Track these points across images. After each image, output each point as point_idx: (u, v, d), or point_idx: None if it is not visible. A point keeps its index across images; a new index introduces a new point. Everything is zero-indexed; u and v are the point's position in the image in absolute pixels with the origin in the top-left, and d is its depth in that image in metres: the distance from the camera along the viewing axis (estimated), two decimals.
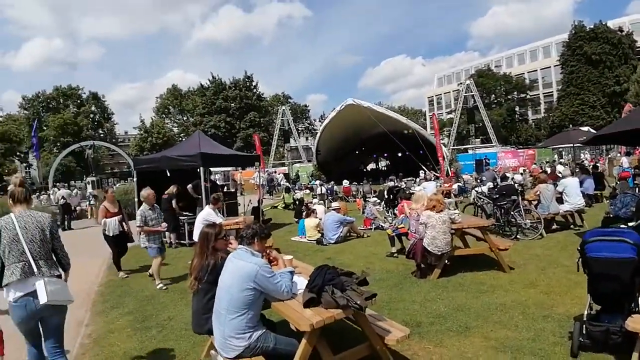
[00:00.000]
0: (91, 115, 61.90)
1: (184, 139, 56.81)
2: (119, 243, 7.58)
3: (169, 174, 10.70)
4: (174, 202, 10.33)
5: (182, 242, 10.26)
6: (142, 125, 62.54)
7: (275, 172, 33.98)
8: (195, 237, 7.37)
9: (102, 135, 61.16)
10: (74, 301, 3.43)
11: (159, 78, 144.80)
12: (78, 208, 18.92)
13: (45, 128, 55.35)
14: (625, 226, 4.73)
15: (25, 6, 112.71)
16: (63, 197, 16.30)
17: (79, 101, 62.15)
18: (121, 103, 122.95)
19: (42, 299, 2.99)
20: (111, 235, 7.43)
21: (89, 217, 18.23)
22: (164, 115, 69.42)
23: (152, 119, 66.18)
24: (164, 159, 10.60)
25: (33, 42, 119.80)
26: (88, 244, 11.42)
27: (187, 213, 10.54)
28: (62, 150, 37.15)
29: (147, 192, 6.94)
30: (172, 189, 10.31)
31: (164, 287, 6.48)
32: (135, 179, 11.48)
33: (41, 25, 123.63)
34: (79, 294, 6.53)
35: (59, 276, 3.31)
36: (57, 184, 26.57)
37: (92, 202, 18.50)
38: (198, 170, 10.60)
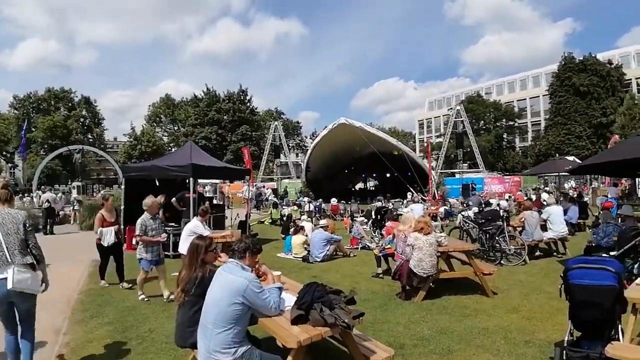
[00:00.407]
0: (81, 120, 61.38)
1: (173, 149, 56.73)
2: (111, 253, 7.38)
3: (158, 184, 10.63)
4: (160, 212, 10.23)
5: (166, 253, 10.09)
6: (133, 133, 62.28)
7: (264, 186, 33.93)
8: (181, 249, 7.40)
9: (91, 140, 60.52)
10: (40, 292, 3.74)
11: (152, 86, 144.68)
12: (61, 213, 18.61)
13: (34, 129, 54.67)
14: (607, 255, 4.84)
15: (24, 5, 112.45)
16: (48, 201, 16.01)
17: (70, 104, 61.65)
18: (112, 109, 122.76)
19: (8, 285, 3.40)
20: (106, 245, 7.22)
21: (72, 222, 17.95)
22: (155, 124, 69.21)
23: (143, 126, 66.00)
24: (154, 168, 10.55)
25: (29, 42, 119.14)
26: (70, 249, 11.26)
27: (172, 224, 10.44)
28: (50, 153, 36.70)
29: (150, 200, 6.77)
30: (160, 198, 10.20)
31: (146, 299, 6.36)
32: (123, 187, 11.37)
33: (38, 25, 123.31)
34: (59, 301, 6.44)
35: (32, 265, 3.64)
36: (42, 187, 26.13)
37: (76, 208, 18.21)
38: (187, 181, 10.58)
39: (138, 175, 11.03)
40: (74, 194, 25.89)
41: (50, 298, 6.49)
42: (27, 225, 3.69)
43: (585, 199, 19.02)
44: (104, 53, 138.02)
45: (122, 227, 11.01)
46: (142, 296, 6.41)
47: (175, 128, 68.61)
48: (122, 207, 11.12)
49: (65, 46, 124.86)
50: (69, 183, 38.16)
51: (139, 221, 6.51)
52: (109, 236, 7.23)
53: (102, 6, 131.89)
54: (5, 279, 3.40)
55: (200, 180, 23.21)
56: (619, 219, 9.23)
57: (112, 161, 30.60)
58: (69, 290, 7.12)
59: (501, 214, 10.45)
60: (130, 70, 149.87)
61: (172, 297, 6.08)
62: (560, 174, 20.89)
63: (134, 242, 11.08)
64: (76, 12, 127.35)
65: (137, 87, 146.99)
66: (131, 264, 9.06)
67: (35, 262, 3.68)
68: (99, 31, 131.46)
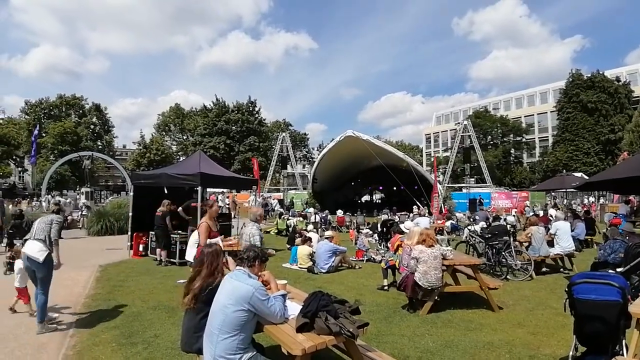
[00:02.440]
0: (92, 126, 62.25)
1: (182, 158, 57.19)
2: None
3: (166, 191, 10.74)
4: (167, 219, 10.32)
5: (172, 260, 10.18)
6: (142, 141, 62.94)
7: (270, 197, 34.01)
8: (187, 257, 7.43)
9: (100, 147, 61.26)
10: (40, 261, 5.20)
11: (162, 96, 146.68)
12: (69, 218, 18.79)
13: (44, 135, 55.41)
14: (614, 271, 4.82)
15: (36, 13, 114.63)
16: (57, 204, 16.19)
17: (81, 111, 62.64)
18: (122, 117, 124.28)
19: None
20: None
21: (80, 227, 18.10)
22: (164, 133, 69.92)
23: (152, 135, 66.76)
24: (163, 176, 10.66)
25: (41, 48, 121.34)
26: (77, 254, 11.34)
27: (180, 232, 10.51)
28: (59, 158, 37.10)
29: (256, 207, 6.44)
30: (163, 205, 10.30)
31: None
32: (131, 193, 11.49)
33: (50, 33, 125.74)
34: (65, 304, 6.53)
35: (44, 242, 5.33)
36: (52, 192, 26.39)
37: (84, 213, 18.39)
38: (196, 189, 10.67)
39: (147, 183, 11.14)
40: (82, 199, 26.11)
41: (57, 301, 6.62)
42: (54, 222, 5.54)
43: (593, 215, 18.84)
44: (115, 62, 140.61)
45: (130, 233, 11.20)
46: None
47: (184, 137, 69.24)
48: (130, 214, 11.25)
49: (77, 54, 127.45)
50: (78, 189, 38.52)
51: (255, 232, 6.12)
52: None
53: (114, 16, 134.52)
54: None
55: (211, 190, 23.42)
56: (626, 236, 9.18)
57: (121, 168, 30.85)
58: (75, 295, 7.18)
59: (508, 229, 10.41)
60: (140, 79, 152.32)
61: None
62: (567, 190, 20.75)
63: (140, 248, 11.27)
64: (88, 21, 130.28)
65: (148, 96, 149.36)
66: (128, 270, 9.18)
67: (48, 242, 5.33)
68: (110, 40, 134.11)
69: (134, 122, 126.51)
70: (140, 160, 58.91)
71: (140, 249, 11.29)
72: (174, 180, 10.36)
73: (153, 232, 10.57)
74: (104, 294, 7.24)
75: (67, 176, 51.86)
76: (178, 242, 10.17)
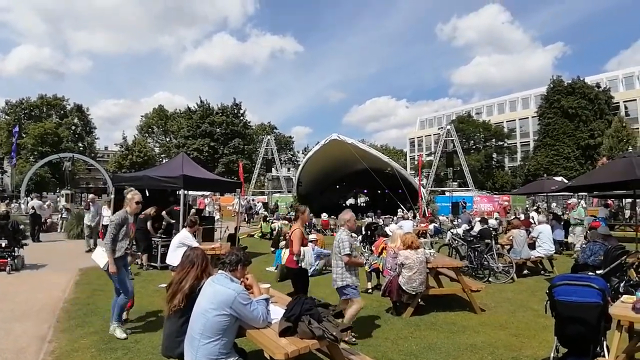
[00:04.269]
0: (73, 127, 60.98)
1: (164, 160, 56.47)
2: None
3: (148, 194, 10.58)
4: (149, 223, 10.18)
5: (153, 264, 10.02)
6: (124, 142, 62.00)
7: (254, 200, 33.82)
8: (169, 261, 7.32)
9: (81, 148, 60.00)
10: (101, 267, 5.22)
11: (145, 97, 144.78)
12: (49, 220, 18.37)
13: (24, 135, 54.11)
14: (593, 273, 4.90)
15: (19, 12, 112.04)
16: (33, 208, 15.80)
17: (62, 112, 61.32)
18: (104, 118, 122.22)
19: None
20: (307, 268, 5.75)
21: (59, 230, 17.70)
22: (147, 135, 69.03)
23: (134, 137, 65.80)
24: (145, 178, 10.48)
25: (23, 47, 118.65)
26: (57, 257, 11.12)
27: (162, 235, 10.35)
28: (39, 160, 36.28)
29: (349, 215, 5.46)
30: (151, 210, 10.16)
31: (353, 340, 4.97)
32: (112, 196, 11.28)
33: (33, 32, 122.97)
34: (44, 308, 6.38)
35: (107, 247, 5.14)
36: (31, 194, 25.79)
37: (64, 216, 17.98)
38: (178, 192, 10.54)
39: (128, 186, 10.94)
40: (62, 202, 25.57)
41: (35, 305, 6.46)
42: (111, 221, 5.36)
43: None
44: (98, 62, 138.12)
45: None
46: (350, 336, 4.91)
47: (167, 139, 68.47)
48: (111, 216, 11.02)
49: (60, 54, 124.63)
50: (58, 191, 37.72)
51: (344, 238, 5.14)
52: (309, 257, 5.77)
53: (98, 16, 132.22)
54: None
55: (194, 193, 23.14)
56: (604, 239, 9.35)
57: (103, 170, 30.34)
58: (54, 298, 7.01)
59: (491, 232, 10.54)
60: (123, 80, 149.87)
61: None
62: (548, 193, 21.12)
63: None
64: (72, 20, 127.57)
65: (130, 97, 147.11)
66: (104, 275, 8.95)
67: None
68: (94, 40, 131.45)
69: (116, 124, 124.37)
70: (122, 162, 57.97)
71: None
72: (156, 183, 10.20)
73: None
74: (84, 298, 7.08)
75: (47, 178, 50.67)
76: (160, 246, 10.01)
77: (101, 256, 5.20)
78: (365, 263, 8.84)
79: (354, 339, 4.92)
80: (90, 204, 13.09)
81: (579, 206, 13.47)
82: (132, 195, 5.65)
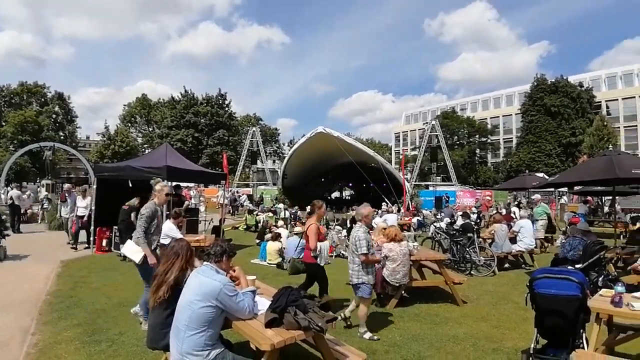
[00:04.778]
0: (54, 116, 59.57)
1: (147, 151, 55.71)
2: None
3: (130, 185, 10.45)
4: (133, 214, 10.03)
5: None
6: (106, 132, 60.93)
7: (239, 192, 33.66)
8: None
9: (62, 137, 58.69)
10: (136, 261, 5.05)
11: (128, 85, 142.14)
12: (29, 211, 17.99)
13: (4, 124, 52.73)
14: (573, 267, 5.02)
15: None
16: (11, 198, 15.43)
17: (43, 100, 59.85)
18: (86, 107, 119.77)
19: None
20: (323, 264, 5.68)
21: (39, 221, 17.37)
22: (130, 124, 67.97)
23: (117, 126, 64.75)
24: (128, 169, 10.35)
25: (4, 33, 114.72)
26: (38, 249, 10.94)
27: None
28: (19, 149, 35.38)
29: (367, 209, 5.34)
30: (135, 201, 10.01)
31: (376, 337, 4.95)
32: (94, 186, 11.11)
33: (14, 17, 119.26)
34: (27, 301, 6.29)
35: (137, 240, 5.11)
36: (11, 184, 25.16)
37: (45, 206, 17.62)
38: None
39: (110, 176, 10.80)
40: (43, 192, 25.03)
41: (18, 297, 6.36)
42: (138, 215, 5.25)
43: (552, 214, 19.59)
44: (81, 49, 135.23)
45: (93, 228, 10.83)
46: (368, 334, 4.97)
47: (150, 129, 67.52)
48: (93, 208, 10.87)
49: (41, 40, 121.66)
50: (38, 181, 36.89)
51: (362, 235, 4.98)
52: (326, 253, 5.74)
53: (81, 1, 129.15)
54: None
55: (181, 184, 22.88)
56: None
57: (84, 160, 29.55)
58: (36, 290, 6.90)
59: (473, 226, 10.70)
60: (106, 67, 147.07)
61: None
62: (529, 189, 21.49)
63: (104, 243, 10.93)
64: (54, 6, 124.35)
65: (113, 85, 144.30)
66: (92, 265, 8.90)
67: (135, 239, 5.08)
68: (76, 26, 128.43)
69: (98, 112, 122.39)
70: (104, 152, 56.95)
71: (104, 244, 10.95)
72: (138, 173, 10.07)
73: (117, 227, 10.25)
74: (66, 290, 6.98)
75: (27, 167, 49.50)
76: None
77: (135, 251, 5.05)
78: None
79: (376, 337, 4.95)
80: (67, 194, 12.60)
81: (541, 203, 13.80)
82: (162, 187, 5.52)
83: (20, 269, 8.53)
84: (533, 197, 17.90)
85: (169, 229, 7.35)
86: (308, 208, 20.28)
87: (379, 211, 19.71)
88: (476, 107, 68.47)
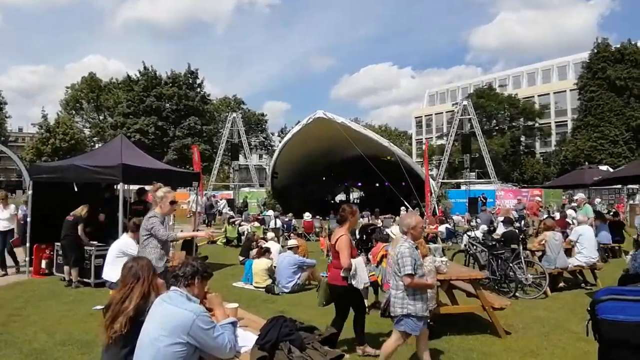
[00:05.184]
0: None
1: (97, 145, 55.75)
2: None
3: (76, 189, 10.49)
4: (80, 227, 10.04)
5: (85, 280, 9.91)
6: (44, 122, 60.95)
7: (216, 196, 33.71)
8: (106, 276, 7.30)
9: None
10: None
11: (71, 62, 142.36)
12: None
13: None
14: None
15: None
16: None
17: None
18: (18, 90, 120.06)
19: None
20: (362, 288, 5.71)
21: None
22: (75, 112, 68.16)
23: (58, 114, 64.86)
24: (72, 169, 10.36)
25: None
26: None
27: (96, 243, 10.26)
28: None
29: (415, 219, 5.27)
30: (82, 209, 10.03)
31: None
32: (30, 192, 11.12)
33: None
34: None
35: None
36: None
37: None
38: (116, 186, 10.43)
39: (51, 178, 10.81)
40: None
41: None
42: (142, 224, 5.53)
43: (622, 217, 19.60)
44: (9, 17, 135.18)
45: (29, 245, 10.84)
46: None
47: (101, 117, 67.72)
48: (29, 219, 10.89)
49: None
50: None
51: (406, 252, 4.83)
52: (363, 272, 5.66)
53: None
54: None
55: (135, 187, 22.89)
56: None
57: (16, 158, 29.66)
58: None
59: (517, 235, 10.69)
60: (42, 40, 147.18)
61: None
62: (590, 187, 21.50)
63: (43, 265, 10.97)
64: None
65: (52, 62, 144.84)
66: (26, 293, 8.89)
67: None
68: None
69: (34, 98, 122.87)
70: (42, 148, 57.04)
71: (43, 265, 10.97)
72: (86, 175, 10.10)
73: (59, 244, 10.28)
74: None
75: None
76: (94, 257, 9.91)
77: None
78: None
79: None
80: None
81: (585, 204, 13.66)
82: (165, 193, 5.53)
83: None
84: (575, 198, 17.71)
85: (125, 245, 7.38)
86: (309, 215, 20.46)
87: (397, 218, 19.77)
88: (520, 83, 68.55)
